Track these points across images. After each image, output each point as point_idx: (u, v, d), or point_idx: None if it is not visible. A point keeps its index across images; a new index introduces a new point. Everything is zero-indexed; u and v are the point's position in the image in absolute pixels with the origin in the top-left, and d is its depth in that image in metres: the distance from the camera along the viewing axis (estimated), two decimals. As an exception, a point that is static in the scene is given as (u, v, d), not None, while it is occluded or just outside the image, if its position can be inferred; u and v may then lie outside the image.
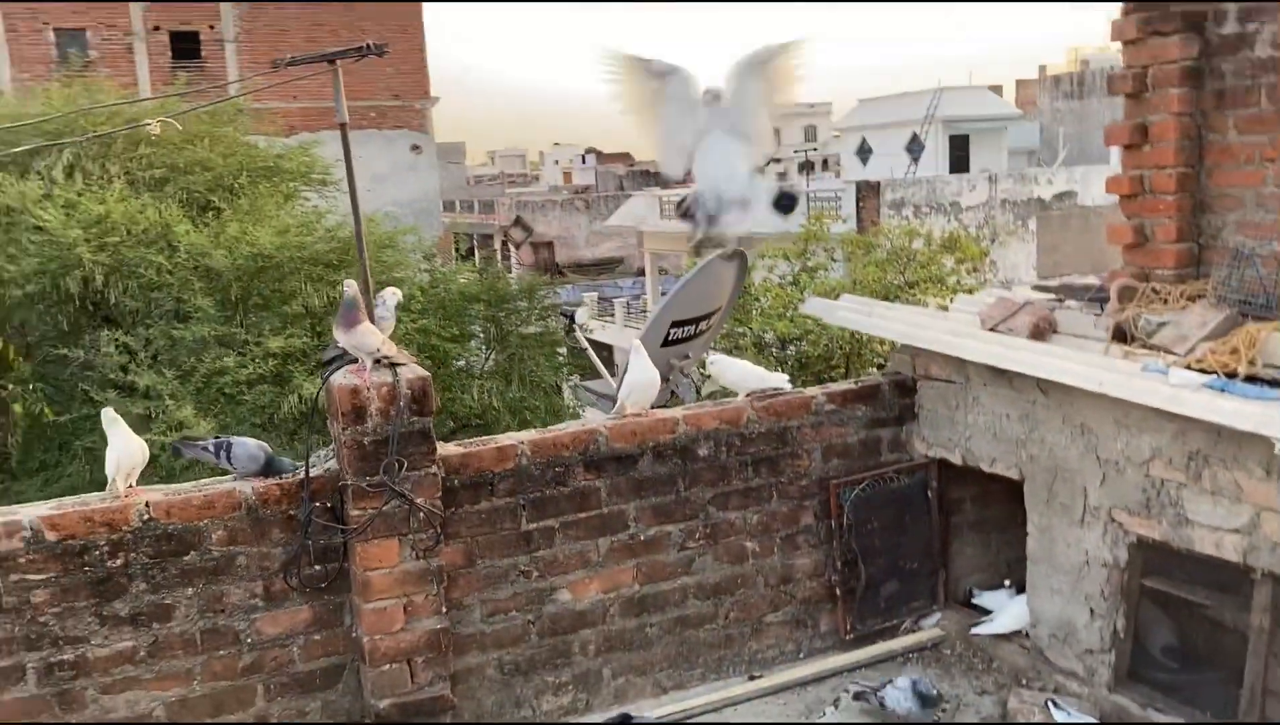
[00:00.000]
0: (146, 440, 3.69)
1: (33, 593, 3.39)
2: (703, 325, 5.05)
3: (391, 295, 4.14)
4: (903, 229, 16.79)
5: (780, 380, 4.69)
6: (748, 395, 4.52)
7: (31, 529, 3.38)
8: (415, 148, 22.17)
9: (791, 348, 14.86)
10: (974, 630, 4.54)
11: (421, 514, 3.76)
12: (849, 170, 36.57)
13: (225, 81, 18.13)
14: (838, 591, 4.61)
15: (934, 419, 4.66)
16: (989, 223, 22.08)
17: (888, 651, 4.58)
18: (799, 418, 4.57)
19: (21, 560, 3.37)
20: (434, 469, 3.81)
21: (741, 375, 4.65)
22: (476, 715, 4.03)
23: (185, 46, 21.05)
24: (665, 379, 5.13)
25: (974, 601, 4.75)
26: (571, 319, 7.17)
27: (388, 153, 21.44)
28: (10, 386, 10.99)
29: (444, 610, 3.85)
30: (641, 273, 33.84)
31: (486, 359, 14.35)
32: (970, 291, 10.57)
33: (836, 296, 6.64)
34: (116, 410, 3.72)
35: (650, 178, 46.98)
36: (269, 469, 3.76)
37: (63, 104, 12.18)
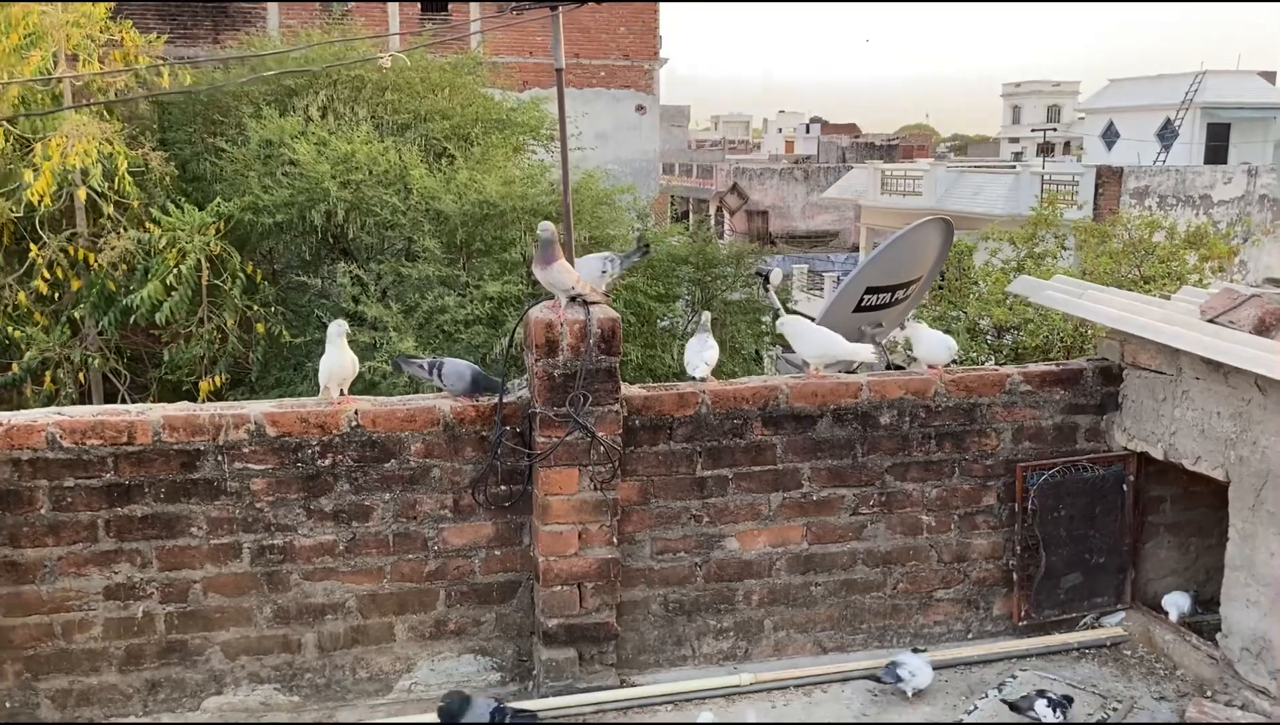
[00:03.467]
0: (370, 367, 4.02)
1: (252, 481, 3.78)
2: (899, 294, 4.97)
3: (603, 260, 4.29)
4: (1143, 220, 15.74)
5: (864, 352, 4.54)
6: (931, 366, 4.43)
7: (255, 423, 3.75)
8: (640, 108, 22.47)
9: (1008, 337, 14.28)
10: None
11: (602, 448, 3.92)
12: (1091, 154, 34.45)
13: (466, 34, 18.96)
14: (1015, 576, 4.48)
15: (1138, 410, 4.42)
16: (1242, 221, 20.33)
17: (1062, 644, 4.42)
18: (991, 395, 4.44)
19: (245, 450, 3.75)
20: (617, 407, 3.95)
21: (818, 344, 4.45)
22: (638, 647, 4.19)
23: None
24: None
25: (1163, 604, 4.49)
26: (766, 278, 7.13)
27: (613, 111, 21.88)
28: (256, 307, 12.01)
29: (615, 542, 4.01)
30: (856, 248, 33.19)
31: (690, 321, 14.54)
32: (1208, 289, 9.81)
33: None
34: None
35: (874, 151, 45.81)
36: (475, 387, 4.01)
37: (320, 46, 13.10)
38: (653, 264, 14.00)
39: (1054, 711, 3.78)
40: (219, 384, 11.92)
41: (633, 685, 4.11)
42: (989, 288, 14.72)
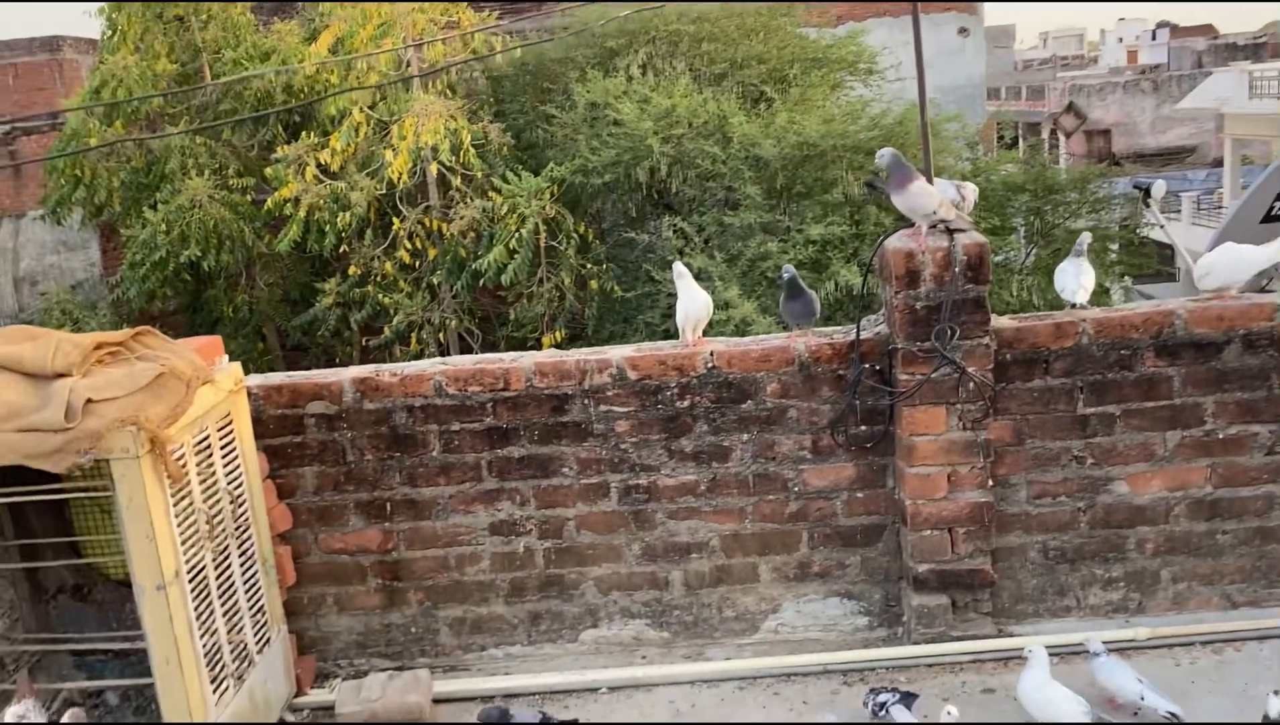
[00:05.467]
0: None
1: (616, 423, 3.86)
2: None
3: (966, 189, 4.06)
4: None
5: None
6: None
7: (617, 367, 3.83)
8: (963, 31, 21.11)
9: None
10: None
11: (971, 384, 3.66)
12: None
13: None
14: None
15: None
16: None
17: None
18: None
19: (609, 393, 3.84)
20: (986, 340, 3.67)
21: None
22: (1015, 596, 3.91)
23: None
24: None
25: None
26: (1146, 192, 6.41)
27: (933, 37, 20.65)
28: (589, 265, 12.53)
29: (989, 485, 3.74)
30: (1218, 163, 29.65)
31: (1028, 254, 13.60)
32: None
33: None
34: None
35: (1237, 52, 40.68)
36: (791, 291, 3.90)
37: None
38: (985, 195, 13.19)
39: None
40: (559, 339, 12.60)
41: (1011, 635, 3.84)
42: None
